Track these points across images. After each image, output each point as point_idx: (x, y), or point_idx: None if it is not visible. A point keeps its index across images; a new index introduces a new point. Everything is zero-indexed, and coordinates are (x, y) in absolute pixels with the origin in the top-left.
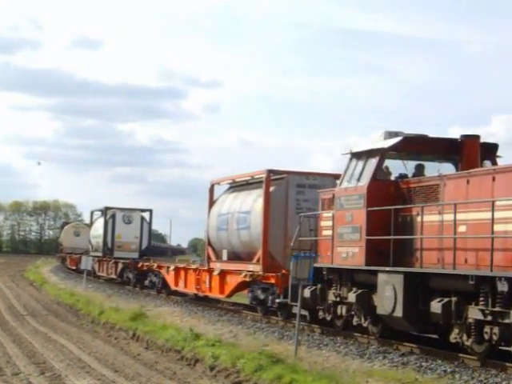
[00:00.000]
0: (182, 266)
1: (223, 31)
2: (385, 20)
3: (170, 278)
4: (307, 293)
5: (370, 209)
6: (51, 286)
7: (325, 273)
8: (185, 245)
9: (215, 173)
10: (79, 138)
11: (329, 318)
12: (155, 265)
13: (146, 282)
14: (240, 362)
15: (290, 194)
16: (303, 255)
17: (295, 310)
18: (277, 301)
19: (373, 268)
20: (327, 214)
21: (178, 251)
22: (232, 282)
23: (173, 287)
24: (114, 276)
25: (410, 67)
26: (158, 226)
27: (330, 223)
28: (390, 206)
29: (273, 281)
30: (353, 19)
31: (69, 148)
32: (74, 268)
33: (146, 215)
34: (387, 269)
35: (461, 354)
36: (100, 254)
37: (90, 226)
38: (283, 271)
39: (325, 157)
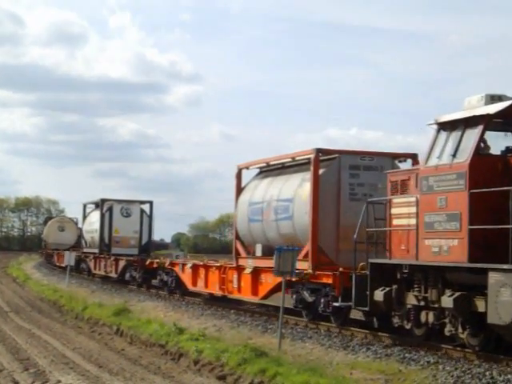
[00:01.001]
0: (201, 263)
1: (204, 25)
2: (365, 13)
3: (186, 277)
4: (379, 295)
5: (474, 191)
6: (34, 282)
7: (406, 271)
8: (168, 239)
9: (197, 167)
10: (60, 133)
11: (408, 326)
12: (167, 262)
13: (155, 282)
14: (224, 356)
15: (343, 177)
16: (286, 248)
17: (358, 314)
18: (335, 304)
19: (481, 265)
20: (402, 199)
21: (161, 246)
22: (269, 281)
23: (190, 287)
24: (113, 275)
25: (391, 59)
26: None
27: (405, 210)
28: (498, 186)
29: (327, 280)
30: (334, 12)
31: (50, 143)
32: (62, 266)
33: (146, 207)
34: (504, 267)
35: (444, 345)
36: (96, 251)
37: (75, 220)
38: (340, 269)
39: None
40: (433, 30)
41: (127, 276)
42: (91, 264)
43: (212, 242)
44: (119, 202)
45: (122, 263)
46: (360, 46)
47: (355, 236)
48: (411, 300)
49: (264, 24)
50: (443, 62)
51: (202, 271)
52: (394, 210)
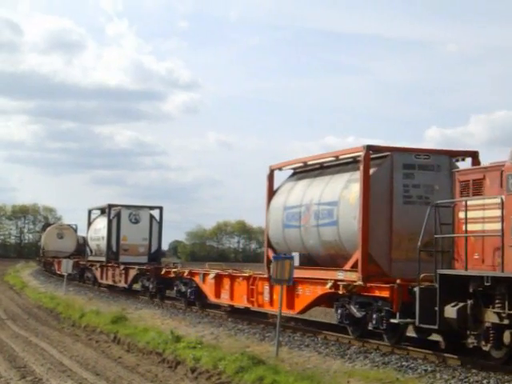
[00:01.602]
0: (226, 272)
1: (202, 32)
2: (363, 21)
3: (208, 288)
4: (451, 312)
5: None
6: (31, 289)
7: (487, 284)
8: (165, 247)
9: (194, 174)
10: (57, 141)
11: (487, 348)
12: (186, 271)
13: (172, 292)
14: (221, 364)
15: (396, 177)
16: (283, 256)
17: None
18: (393, 321)
19: None
20: (477, 201)
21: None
22: (308, 294)
23: (212, 299)
24: (123, 284)
25: (389, 68)
26: None
27: (479, 214)
28: None
29: (381, 293)
30: (330, 21)
31: (47, 151)
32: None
33: (156, 213)
34: None
35: (441, 354)
36: (102, 259)
37: (74, 227)
38: (398, 281)
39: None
40: (431, 38)
41: (140, 286)
42: (97, 273)
43: (209, 250)
44: (127, 207)
45: (132, 272)
46: (357, 54)
47: (419, 244)
48: (491, 317)
49: (261, 32)
50: (441, 70)
51: (226, 282)
52: (464, 214)
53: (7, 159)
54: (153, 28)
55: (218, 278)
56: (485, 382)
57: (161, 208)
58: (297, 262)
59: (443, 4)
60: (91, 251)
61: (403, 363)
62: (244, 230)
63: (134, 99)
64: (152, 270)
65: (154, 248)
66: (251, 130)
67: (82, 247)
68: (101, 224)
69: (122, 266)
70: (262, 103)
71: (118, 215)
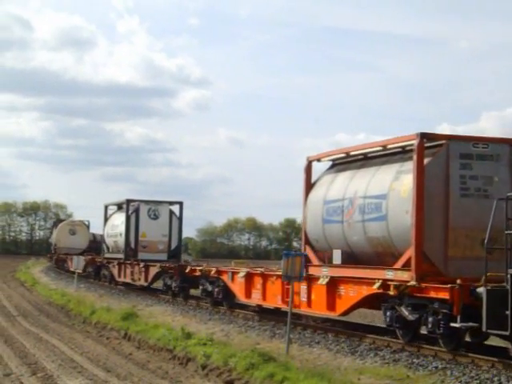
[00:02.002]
0: (258, 271)
1: (212, 29)
2: (373, 18)
3: (237, 287)
4: None
5: None
6: (42, 286)
7: None
8: None
9: (205, 171)
10: (68, 137)
11: None
12: (213, 270)
13: (196, 292)
14: (232, 361)
15: (452, 168)
16: (294, 252)
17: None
18: (454, 325)
19: None
20: None
21: None
22: (352, 294)
23: (242, 299)
24: (142, 283)
25: (399, 65)
26: None
27: None
28: None
29: (438, 295)
30: (340, 18)
31: (58, 148)
32: (80, 272)
33: (176, 209)
34: None
35: (452, 351)
36: (120, 256)
37: (87, 223)
38: (458, 281)
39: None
40: (442, 35)
41: (161, 285)
42: (114, 271)
43: (220, 247)
44: (146, 202)
45: (153, 270)
46: (368, 51)
47: (485, 241)
48: None
49: (272, 29)
50: (451, 67)
51: (257, 281)
52: None
53: (18, 156)
54: (164, 25)
55: (249, 277)
56: (495, 379)
57: (181, 203)
58: (338, 260)
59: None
60: (108, 248)
61: (414, 360)
62: (254, 226)
63: (144, 96)
64: (176, 268)
65: (173, 245)
66: (262, 127)
67: (94, 244)
68: (118, 220)
69: (142, 264)
70: (272, 100)
71: (137, 211)
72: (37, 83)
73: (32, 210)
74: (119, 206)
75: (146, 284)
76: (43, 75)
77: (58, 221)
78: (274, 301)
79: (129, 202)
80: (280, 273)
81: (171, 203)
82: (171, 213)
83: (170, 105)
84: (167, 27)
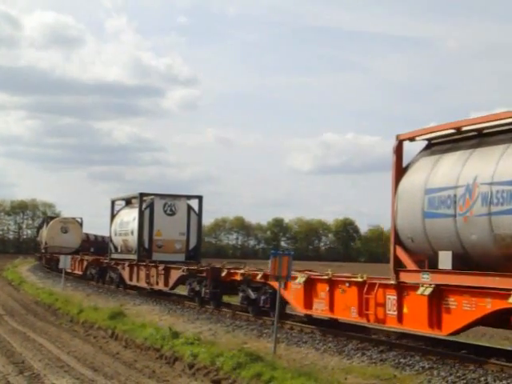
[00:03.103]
0: (324, 276)
1: (200, 28)
2: (362, 18)
3: (292, 296)
4: None
5: None
6: (29, 285)
7: None
8: None
9: (193, 170)
10: (56, 136)
11: None
12: (259, 274)
13: (231, 299)
14: (219, 360)
15: None
16: (282, 252)
17: None
18: None
19: None
20: None
21: None
22: (467, 308)
23: (301, 310)
24: (161, 287)
25: (387, 65)
26: None
27: None
28: None
29: None
30: (329, 18)
31: (46, 147)
32: (80, 273)
33: (194, 203)
34: None
35: (439, 350)
36: (133, 257)
37: (79, 221)
38: None
39: (302, 154)
40: (430, 35)
41: (187, 290)
42: (124, 273)
43: (208, 246)
44: (162, 196)
45: (176, 273)
46: (357, 51)
47: None
48: None
49: (260, 28)
50: (439, 67)
51: (322, 288)
52: None
53: (6, 154)
54: (152, 24)
55: (310, 283)
56: (482, 379)
57: (200, 197)
58: (447, 265)
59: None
60: (115, 248)
61: (401, 360)
62: (242, 226)
63: (133, 95)
64: (208, 272)
65: (192, 244)
66: (250, 127)
67: (86, 244)
68: (129, 216)
69: (161, 266)
70: (261, 99)
71: (151, 206)
72: (25, 81)
73: (20, 208)
74: (128, 201)
75: (166, 289)
76: (31, 73)
77: (49, 218)
78: (347, 314)
79: (142, 195)
80: (358, 279)
81: (189, 197)
82: (189, 208)
83: (159, 104)
84: (155, 26)
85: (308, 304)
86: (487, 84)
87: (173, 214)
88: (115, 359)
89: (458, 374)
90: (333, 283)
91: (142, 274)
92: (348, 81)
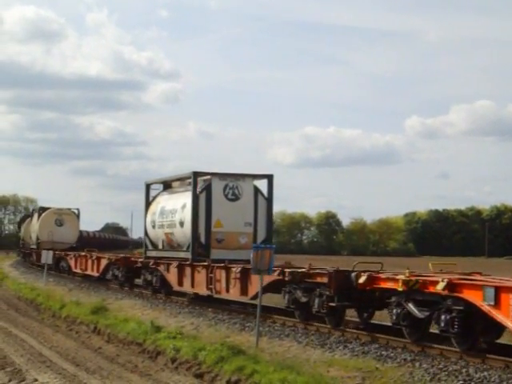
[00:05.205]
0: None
1: (181, 22)
2: (344, 13)
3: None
4: None
5: None
6: (11, 280)
7: None
8: None
9: (175, 164)
10: (37, 131)
11: None
12: (441, 282)
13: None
14: (201, 354)
15: None
16: (263, 246)
17: None
18: None
19: None
20: None
21: (139, 244)
22: None
23: None
24: (237, 295)
25: (369, 59)
26: (119, 219)
27: None
28: None
29: None
30: (310, 12)
31: (27, 141)
32: (95, 275)
33: (262, 185)
34: None
35: (421, 343)
36: (185, 256)
37: (76, 212)
38: None
39: (283, 147)
40: (409, 28)
41: (286, 302)
42: (170, 276)
43: None
44: (221, 176)
45: (267, 278)
46: (337, 44)
47: None
48: None
49: (242, 22)
50: (419, 61)
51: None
52: None
53: None
54: (133, 17)
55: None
56: (464, 370)
57: (270, 177)
58: None
59: None
60: (152, 243)
61: (383, 352)
62: None
63: (114, 89)
64: (331, 276)
65: (260, 237)
66: (231, 120)
67: (84, 239)
68: (175, 203)
69: (237, 267)
70: (242, 93)
71: (208, 188)
72: (5, 76)
73: (1, 203)
74: (167, 185)
75: (245, 299)
76: (11, 68)
77: (41, 209)
78: None
79: (196, 175)
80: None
81: (255, 176)
82: (256, 191)
83: (140, 98)
84: (136, 20)
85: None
86: (468, 76)
87: (236, 198)
88: (97, 354)
89: (439, 366)
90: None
91: (200, 277)
92: (328, 74)
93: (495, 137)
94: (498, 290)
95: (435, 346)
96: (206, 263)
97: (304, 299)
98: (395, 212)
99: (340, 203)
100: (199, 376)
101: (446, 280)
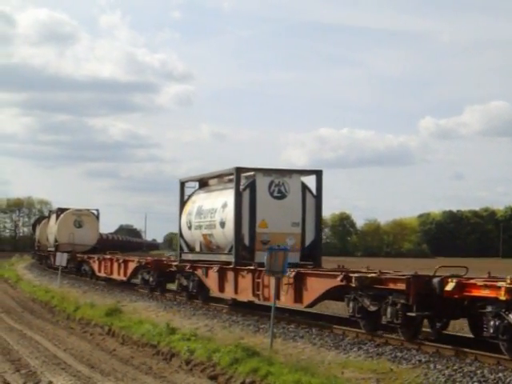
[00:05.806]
0: None
1: (195, 24)
2: (356, 14)
3: None
4: None
5: None
6: (26, 283)
7: None
8: (160, 240)
9: (188, 166)
10: (50, 133)
11: None
12: None
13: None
14: (216, 356)
15: None
16: (277, 247)
17: None
18: None
19: None
20: None
21: (152, 246)
22: None
23: None
24: (289, 304)
25: (382, 60)
26: (133, 221)
27: None
28: None
29: None
30: (323, 13)
31: (40, 144)
32: (122, 279)
33: (310, 181)
34: None
35: (435, 344)
36: (227, 259)
37: (96, 213)
38: None
39: (297, 149)
40: (423, 29)
41: (351, 311)
42: (210, 281)
43: None
44: (266, 172)
45: (323, 284)
46: (350, 46)
47: None
48: None
49: (255, 24)
50: (433, 61)
51: None
52: None
53: (0, 152)
54: (146, 19)
55: None
56: (478, 372)
57: (319, 173)
58: None
59: None
60: (188, 246)
61: (397, 354)
62: None
63: (127, 91)
64: (409, 282)
65: (309, 239)
66: (245, 122)
67: (104, 241)
68: (214, 202)
69: (291, 272)
70: (255, 95)
71: (252, 186)
72: (18, 78)
73: (15, 206)
74: (203, 183)
75: (300, 306)
76: (25, 70)
77: (60, 210)
78: None
79: (239, 170)
80: None
81: (303, 172)
82: (304, 188)
83: (153, 100)
84: (149, 22)
85: None
86: (482, 77)
87: (282, 196)
88: (112, 356)
89: (454, 367)
90: None
91: (245, 282)
92: (342, 76)
93: (509, 137)
94: None
95: (449, 347)
96: (252, 267)
97: (373, 308)
98: (409, 213)
99: (354, 204)
100: (214, 378)
101: None
